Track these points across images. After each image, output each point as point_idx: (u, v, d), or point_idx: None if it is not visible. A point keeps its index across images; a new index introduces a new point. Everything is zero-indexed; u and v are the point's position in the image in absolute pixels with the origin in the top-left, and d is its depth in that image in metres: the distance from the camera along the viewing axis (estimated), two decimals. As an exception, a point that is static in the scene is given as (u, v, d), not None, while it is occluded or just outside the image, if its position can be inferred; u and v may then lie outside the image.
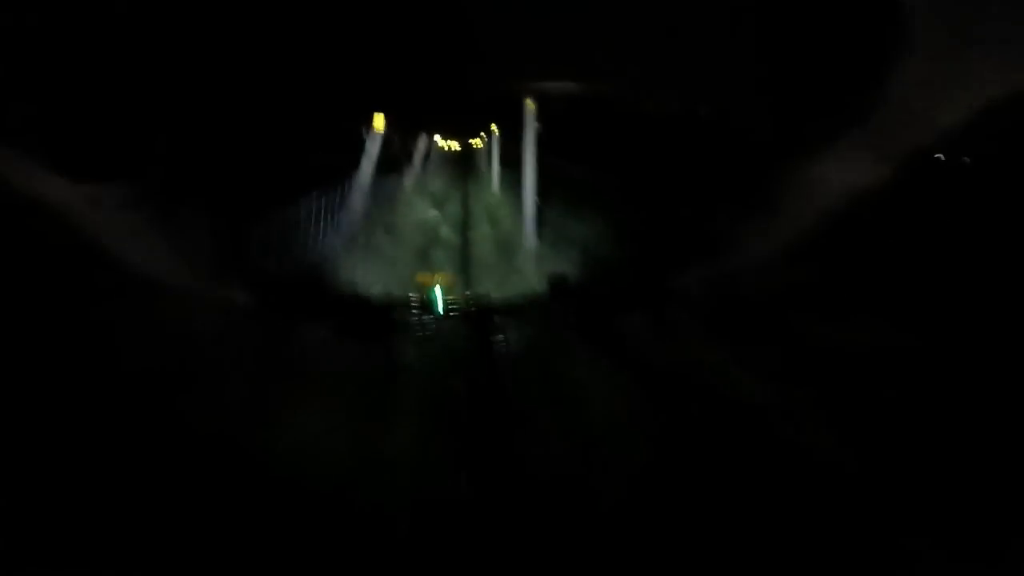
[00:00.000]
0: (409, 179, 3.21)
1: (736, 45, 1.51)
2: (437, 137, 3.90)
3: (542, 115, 2.68)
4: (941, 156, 1.05)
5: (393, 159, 2.78)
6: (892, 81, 0.97)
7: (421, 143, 3.55)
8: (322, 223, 2.23)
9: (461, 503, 1.13)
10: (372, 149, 2.50)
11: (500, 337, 1.86)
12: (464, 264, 2.63)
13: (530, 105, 2.63)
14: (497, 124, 3.45)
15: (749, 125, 1.64)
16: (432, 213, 3.01)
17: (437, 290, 2.06)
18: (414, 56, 2.23)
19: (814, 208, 1.12)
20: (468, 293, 2.18)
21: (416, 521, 1.05)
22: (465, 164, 3.77)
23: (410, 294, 2.11)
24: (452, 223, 2.98)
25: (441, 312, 2.08)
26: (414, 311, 2.07)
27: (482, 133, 3.81)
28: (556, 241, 2.45)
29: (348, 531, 1.02)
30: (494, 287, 2.31)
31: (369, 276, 2.28)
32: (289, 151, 2.03)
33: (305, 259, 2.07)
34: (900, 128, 0.96)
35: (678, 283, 1.75)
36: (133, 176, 1.29)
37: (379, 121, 2.49)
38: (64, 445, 1.04)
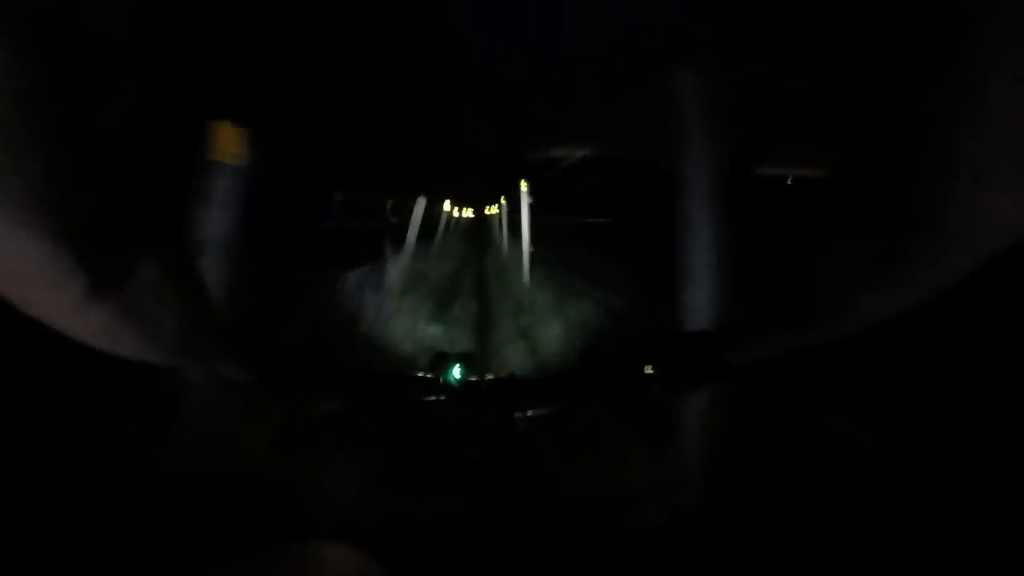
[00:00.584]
0: (426, 248, 3.21)
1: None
2: (448, 204, 3.95)
3: (553, 180, 2.70)
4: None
5: (406, 226, 2.78)
6: None
7: (438, 211, 3.59)
8: (334, 294, 2.18)
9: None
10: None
11: (523, 413, 1.75)
12: (483, 335, 2.54)
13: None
14: (508, 193, 3.51)
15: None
16: (449, 282, 2.97)
17: (456, 366, 1.96)
18: (429, 126, 2.26)
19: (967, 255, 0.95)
20: (491, 373, 2.08)
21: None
22: (479, 232, 3.81)
23: (427, 369, 2.01)
24: (469, 292, 2.93)
25: (460, 387, 1.97)
26: (432, 386, 1.96)
27: (499, 198, 3.87)
28: (583, 309, 2.36)
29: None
30: (517, 359, 2.21)
31: (383, 350, 2.21)
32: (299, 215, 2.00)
33: (313, 332, 1.99)
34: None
35: (742, 358, 1.61)
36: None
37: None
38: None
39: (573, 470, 1.50)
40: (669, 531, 1.23)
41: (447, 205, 3.85)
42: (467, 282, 3.06)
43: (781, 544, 1.10)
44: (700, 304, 1.87)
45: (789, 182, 1.96)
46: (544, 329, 2.31)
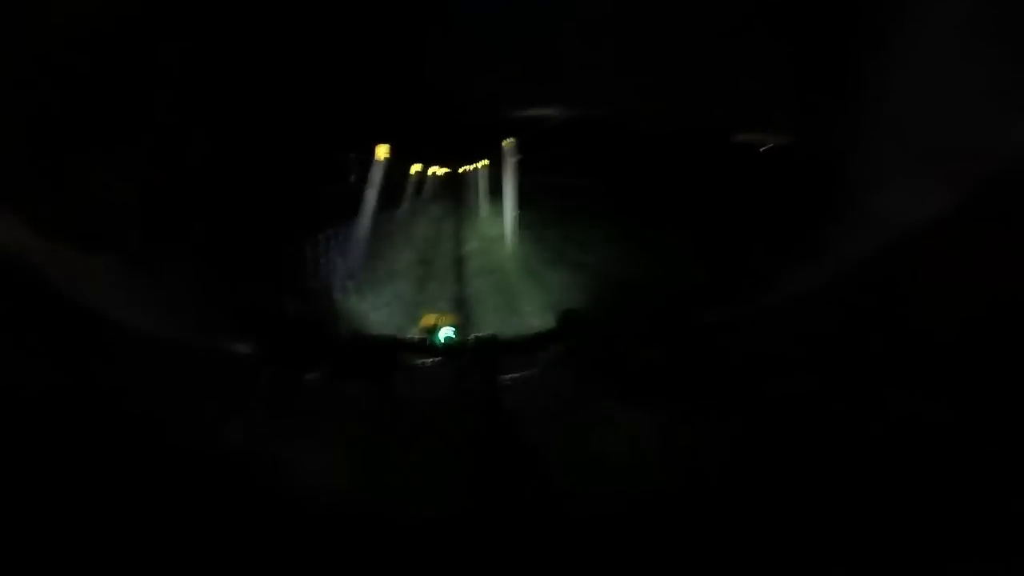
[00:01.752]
0: (403, 211, 3.13)
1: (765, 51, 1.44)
2: (425, 166, 3.84)
3: (548, 134, 2.64)
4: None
5: (386, 191, 2.70)
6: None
7: (413, 172, 3.49)
8: (320, 262, 2.12)
9: (465, 539, 1.11)
10: (375, 180, 2.39)
11: (506, 376, 1.78)
12: (463, 299, 2.53)
13: (508, 143, 2.71)
14: (489, 152, 3.42)
15: (797, 147, 1.57)
16: (429, 247, 2.93)
17: (442, 329, 1.96)
18: (404, 84, 2.18)
19: (869, 243, 1.03)
20: (473, 334, 2.07)
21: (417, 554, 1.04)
22: (457, 193, 3.71)
23: (412, 333, 2.00)
24: (449, 257, 2.90)
25: (444, 350, 1.98)
26: (417, 350, 1.96)
27: (475, 160, 3.77)
28: (562, 269, 2.37)
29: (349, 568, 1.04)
30: (498, 322, 2.22)
31: (369, 316, 2.18)
32: (280, 187, 1.94)
33: (304, 301, 1.95)
34: (968, 146, 0.87)
35: (703, 320, 1.67)
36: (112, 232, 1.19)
37: (382, 151, 2.40)
38: (63, 503, 0.97)
39: (557, 441, 1.54)
40: (649, 508, 1.26)
41: (419, 163, 3.74)
42: (446, 245, 3.01)
43: (768, 521, 1.14)
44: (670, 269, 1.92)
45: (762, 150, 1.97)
46: (527, 294, 2.32)
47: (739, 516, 1.09)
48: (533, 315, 2.18)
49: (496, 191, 3.17)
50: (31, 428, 1.00)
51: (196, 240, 1.49)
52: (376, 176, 2.47)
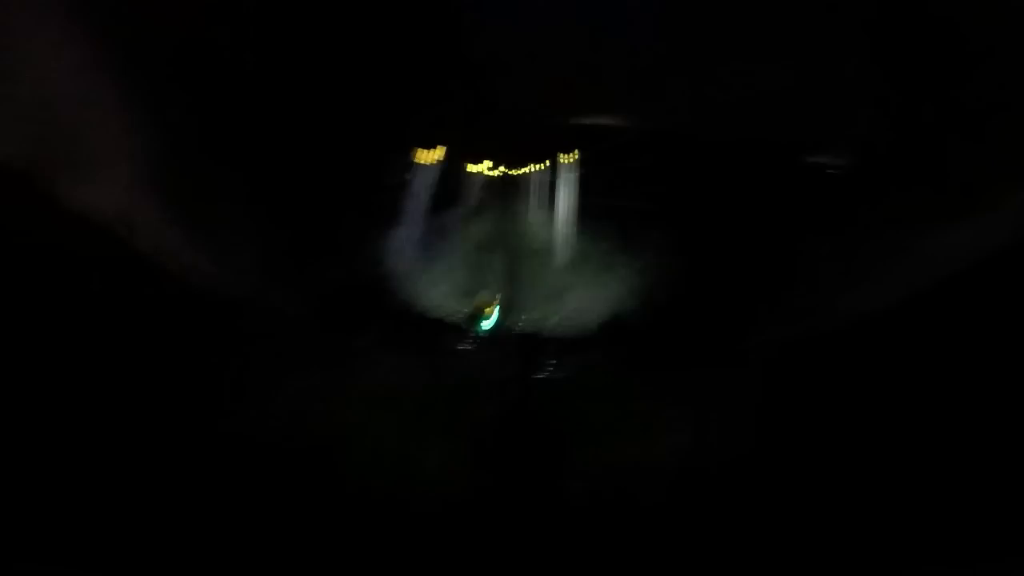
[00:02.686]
0: (460, 206, 3.21)
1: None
2: (484, 166, 3.91)
3: (595, 147, 2.65)
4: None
5: (443, 186, 2.78)
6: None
7: (470, 171, 3.56)
8: (376, 234, 2.21)
9: (486, 522, 1.13)
10: (431, 179, 2.46)
11: (547, 365, 1.79)
12: (515, 290, 2.56)
13: (567, 156, 2.69)
14: (549, 154, 3.45)
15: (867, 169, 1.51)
16: (483, 238, 2.98)
17: (490, 314, 2.00)
18: (463, 84, 2.24)
19: (930, 276, 0.99)
20: (521, 320, 2.09)
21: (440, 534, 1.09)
22: (514, 194, 3.75)
23: (461, 316, 2.05)
24: (502, 251, 2.94)
25: (489, 335, 2.01)
26: (461, 333, 2.01)
27: (533, 163, 3.82)
28: (613, 274, 2.36)
29: (374, 538, 1.09)
30: (542, 318, 2.23)
31: (422, 295, 2.24)
32: (341, 161, 2.02)
33: (360, 270, 2.03)
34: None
35: (746, 343, 1.63)
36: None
37: (437, 152, 2.48)
38: (105, 456, 1.04)
39: (588, 437, 1.53)
40: (677, 504, 1.24)
41: (476, 164, 3.81)
42: (501, 240, 3.05)
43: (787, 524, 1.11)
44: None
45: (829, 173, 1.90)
46: (575, 294, 2.32)
47: (765, 530, 1.07)
48: (579, 315, 2.17)
49: (554, 194, 3.19)
50: (96, 373, 1.08)
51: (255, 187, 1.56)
52: (431, 176, 2.55)
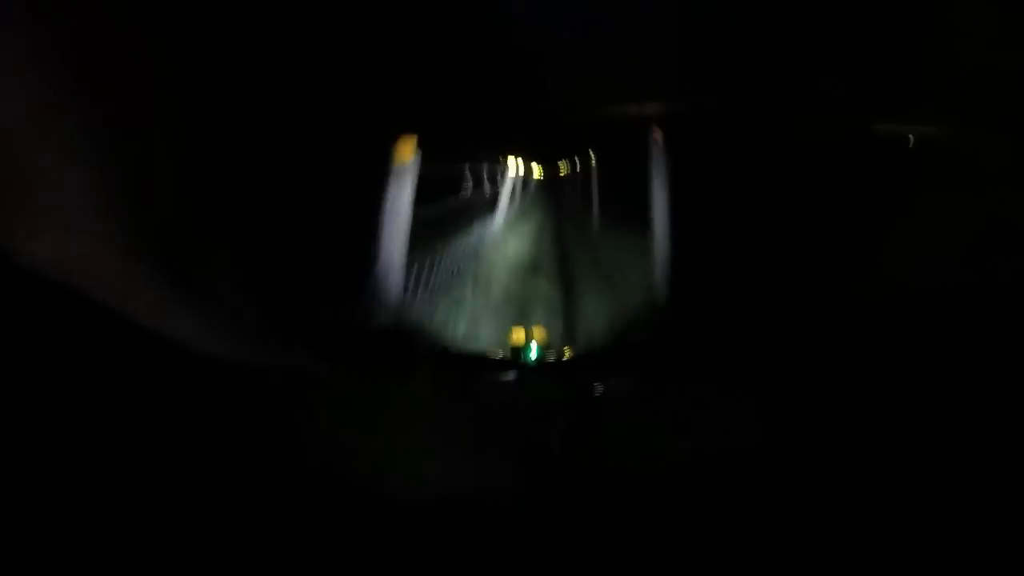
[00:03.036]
0: (498, 216, 3.12)
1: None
2: (522, 165, 3.79)
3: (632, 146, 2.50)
4: None
5: (474, 192, 2.68)
6: None
7: (507, 172, 3.46)
8: (399, 269, 2.08)
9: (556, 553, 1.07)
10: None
11: (598, 390, 1.71)
12: (566, 315, 2.47)
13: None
14: (592, 149, 3.28)
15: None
16: (525, 255, 2.90)
17: (532, 344, 1.93)
18: (495, 73, 2.15)
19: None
20: (568, 347, 2.01)
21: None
22: (555, 196, 3.60)
23: (502, 348, 1.99)
24: (548, 267, 2.85)
25: (532, 366, 1.94)
26: (504, 366, 1.94)
27: (572, 158, 3.66)
28: (662, 292, 2.23)
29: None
30: (599, 338, 2.14)
31: (456, 329, 2.19)
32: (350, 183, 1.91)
33: (379, 311, 1.94)
34: None
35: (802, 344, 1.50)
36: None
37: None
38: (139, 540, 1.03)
39: (636, 467, 1.44)
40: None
41: (513, 167, 3.69)
42: (539, 258, 2.96)
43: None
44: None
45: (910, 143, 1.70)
46: (622, 312, 2.21)
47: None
48: (627, 334, 2.06)
49: (590, 202, 3.07)
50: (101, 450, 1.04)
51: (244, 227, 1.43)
52: (456, 195, 2.46)
